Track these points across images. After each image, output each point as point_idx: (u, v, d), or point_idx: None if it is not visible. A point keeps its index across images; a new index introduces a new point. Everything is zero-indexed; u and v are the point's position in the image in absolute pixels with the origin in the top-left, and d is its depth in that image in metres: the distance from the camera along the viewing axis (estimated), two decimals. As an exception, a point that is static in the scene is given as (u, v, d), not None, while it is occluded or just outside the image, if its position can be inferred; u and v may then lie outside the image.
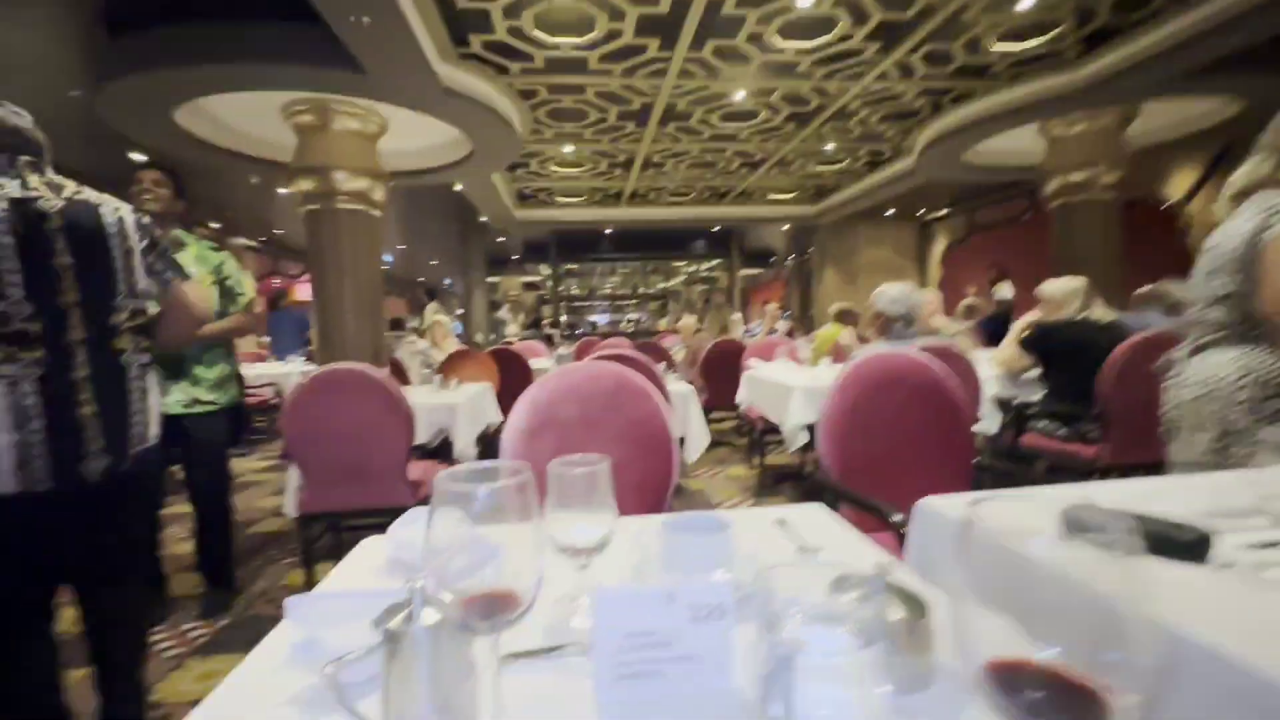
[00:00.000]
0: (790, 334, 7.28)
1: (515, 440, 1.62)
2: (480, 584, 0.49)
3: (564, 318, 16.05)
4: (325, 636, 0.63)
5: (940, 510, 1.02)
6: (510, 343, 8.85)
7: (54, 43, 3.83)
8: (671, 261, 16.91)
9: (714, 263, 15.56)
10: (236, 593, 2.69)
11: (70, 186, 1.41)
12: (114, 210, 1.45)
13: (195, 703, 0.58)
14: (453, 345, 6.73)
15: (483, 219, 9.98)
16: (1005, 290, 6.84)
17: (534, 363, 5.63)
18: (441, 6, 3.42)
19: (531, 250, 14.60)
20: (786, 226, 11.75)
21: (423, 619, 0.50)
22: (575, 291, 17.38)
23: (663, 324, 14.71)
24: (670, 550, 0.76)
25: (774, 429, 3.63)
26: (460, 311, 14.48)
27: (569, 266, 15.64)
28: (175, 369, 2.33)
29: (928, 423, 1.84)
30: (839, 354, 3.79)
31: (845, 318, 4.46)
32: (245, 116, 4.58)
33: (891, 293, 2.68)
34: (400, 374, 5.20)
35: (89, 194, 1.44)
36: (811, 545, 0.92)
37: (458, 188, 7.06)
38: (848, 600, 0.42)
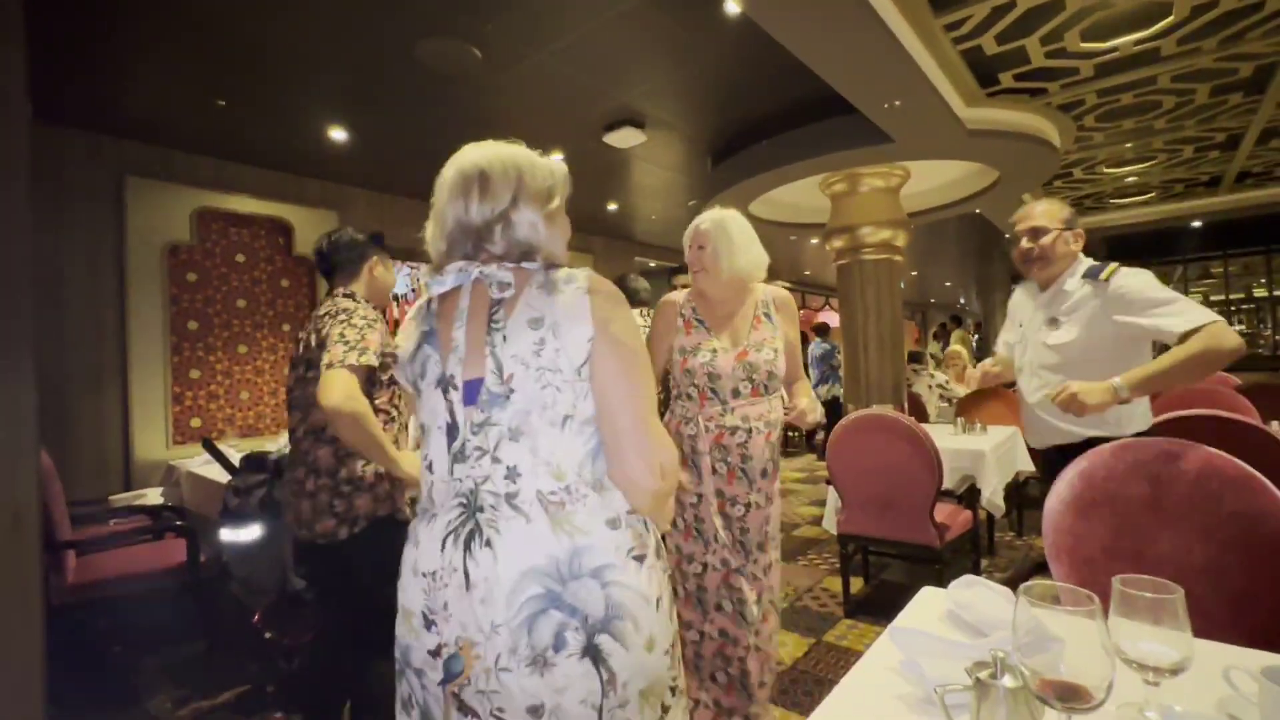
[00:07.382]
0: None
1: (1060, 513, 1.57)
2: (1056, 673, 0.67)
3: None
4: (922, 663, 0.91)
5: None
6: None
7: (681, 174, 5.66)
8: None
9: None
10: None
11: None
12: None
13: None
14: (973, 380, 6.42)
15: (1008, 236, 9.11)
16: None
17: (1077, 404, 4.85)
18: (967, 58, 3.48)
19: (1072, 260, 12.25)
20: None
21: (1005, 681, 0.72)
22: (1140, 303, 13.45)
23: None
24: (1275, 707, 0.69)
25: None
26: (977, 337, 13.43)
27: (1129, 273, 12.29)
28: None
29: None
30: None
31: None
32: (792, 193, 5.65)
33: None
34: (919, 409, 5.35)
35: None
36: None
37: (977, 211, 6.74)
38: None
